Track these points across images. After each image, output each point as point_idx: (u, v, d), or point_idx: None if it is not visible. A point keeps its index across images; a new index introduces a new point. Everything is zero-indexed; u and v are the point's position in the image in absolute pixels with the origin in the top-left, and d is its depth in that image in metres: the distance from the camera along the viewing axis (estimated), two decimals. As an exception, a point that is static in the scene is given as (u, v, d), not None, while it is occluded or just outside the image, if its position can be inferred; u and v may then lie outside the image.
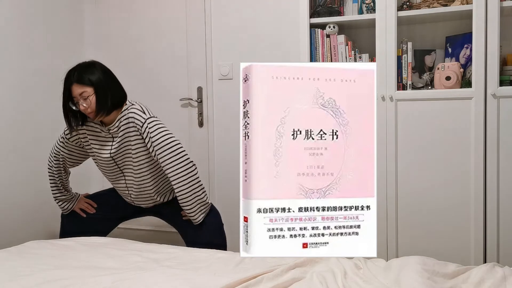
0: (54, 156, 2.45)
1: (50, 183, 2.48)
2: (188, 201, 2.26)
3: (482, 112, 2.35)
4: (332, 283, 1.54)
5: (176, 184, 2.24)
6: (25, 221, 2.96)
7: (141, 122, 2.23)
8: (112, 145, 2.31)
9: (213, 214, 2.39)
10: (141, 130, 2.23)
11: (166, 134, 2.24)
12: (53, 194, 2.49)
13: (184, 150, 2.27)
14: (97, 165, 2.46)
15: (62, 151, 2.42)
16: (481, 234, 2.39)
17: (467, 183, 2.40)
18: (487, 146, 2.36)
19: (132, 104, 2.29)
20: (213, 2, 3.16)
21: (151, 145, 2.23)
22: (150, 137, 2.22)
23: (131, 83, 3.39)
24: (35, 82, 3.04)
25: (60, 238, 2.51)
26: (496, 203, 2.35)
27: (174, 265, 1.79)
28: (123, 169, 2.37)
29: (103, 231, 2.53)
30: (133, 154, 2.30)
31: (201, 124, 3.23)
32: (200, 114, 3.23)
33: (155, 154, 2.24)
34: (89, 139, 2.36)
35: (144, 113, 2.26)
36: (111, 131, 2.30)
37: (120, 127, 2.27)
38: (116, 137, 2.29)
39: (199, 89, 3.22)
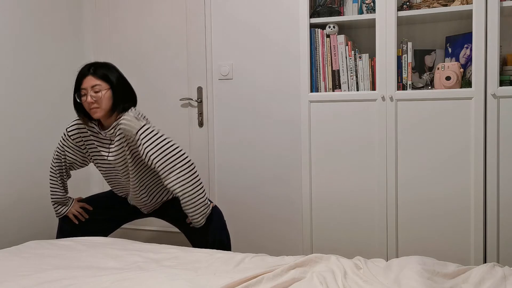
0: (56, 155, 2.46)
1: (50, 183, 2.47)
2: (192, 204, 2.23)
3: (482, 112, 2.35)
4: (332, 283, 1.54)
5: (178, 188, 2.19)
6: (25, 221, 2.96)
7: (133, 132, 2.19)
8: (109, 149, 2.31)
9: (216, 213, 2.39)
10: (134, 138, 2.20)
11: (159, 140, 2.19)
12: (51, 194, 2.48)
13: (181, 151, 2.23)
14: (98, 169, 2.46)
15: (64, 148, 2.43)
16: (481, 234, 2.39)
17: (467, 183, 2.40)
18: (487, 146, 2.36)
19: (126, 111, 2.26)
20: (213, 2, 3.16)
21: (146, 155, 2.19)
22: (144, 148, 2.18)
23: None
24: (34, 82, 3.04)
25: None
26: (496, 203, 2.35)
27: (174, 265, 1.80)
28: (122, 172, 2.36)
29: (102, 233, 2.52)
30: (129, 161, 2.29)
31: (201, 124, 3.23)
32: (200, 114, 3.23)
33: (151, 163, 2.20)
34: (92, 138, 2.37)
35: (137, 120, 2.21)
36: (107, 135, 2.30)
37: (115, 133, 2.26)
38: (113, 140, 2.29)
39: (199, 89, 3.21)
